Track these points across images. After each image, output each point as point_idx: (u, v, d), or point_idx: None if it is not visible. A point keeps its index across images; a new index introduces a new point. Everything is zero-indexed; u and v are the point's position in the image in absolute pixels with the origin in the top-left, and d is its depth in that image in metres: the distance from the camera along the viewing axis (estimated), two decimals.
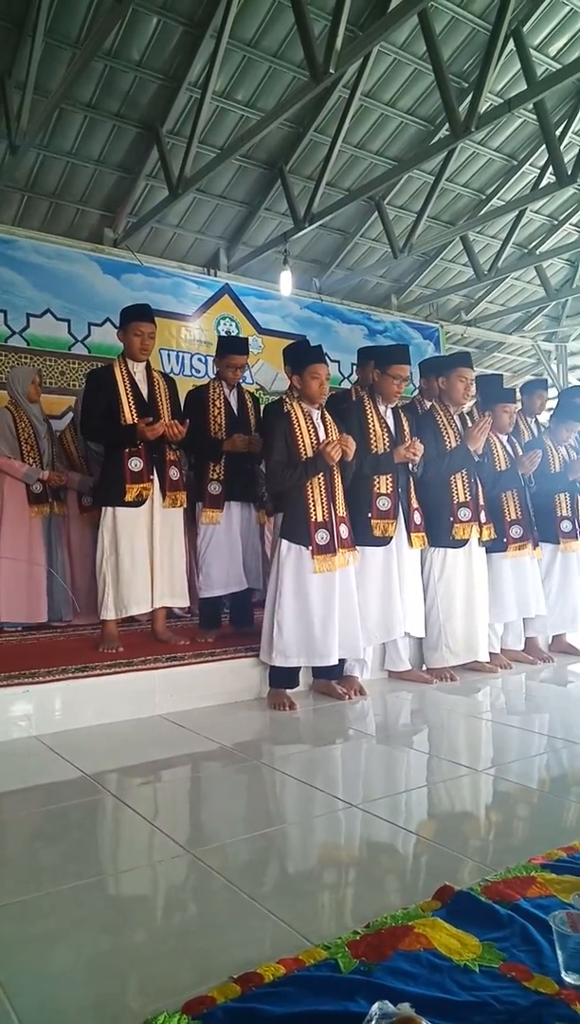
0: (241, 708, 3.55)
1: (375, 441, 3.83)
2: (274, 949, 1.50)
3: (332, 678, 3.77)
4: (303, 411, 3.62)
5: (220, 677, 3.65)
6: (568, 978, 1.37)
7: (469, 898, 1.66)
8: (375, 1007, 1.24)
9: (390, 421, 3.93)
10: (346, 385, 7.94)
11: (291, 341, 6.43)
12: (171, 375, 6.72)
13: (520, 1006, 1.31)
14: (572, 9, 6.13)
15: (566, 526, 4.67)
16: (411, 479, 3.95)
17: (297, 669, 3.64)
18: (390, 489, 3.82)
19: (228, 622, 4.45)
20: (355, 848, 2.11)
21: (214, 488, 4.14)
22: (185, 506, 4.06)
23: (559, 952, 1.39)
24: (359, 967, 1.42)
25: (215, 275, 7.78)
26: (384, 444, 3.83)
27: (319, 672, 3.78)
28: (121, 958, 1.53)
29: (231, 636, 4.21)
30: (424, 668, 4.15)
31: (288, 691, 3.61)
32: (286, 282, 7.48)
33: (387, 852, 2.07)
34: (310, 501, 3.52)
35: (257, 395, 4.69)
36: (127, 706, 3.34)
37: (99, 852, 2.13)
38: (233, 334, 7.36)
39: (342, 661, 3.73)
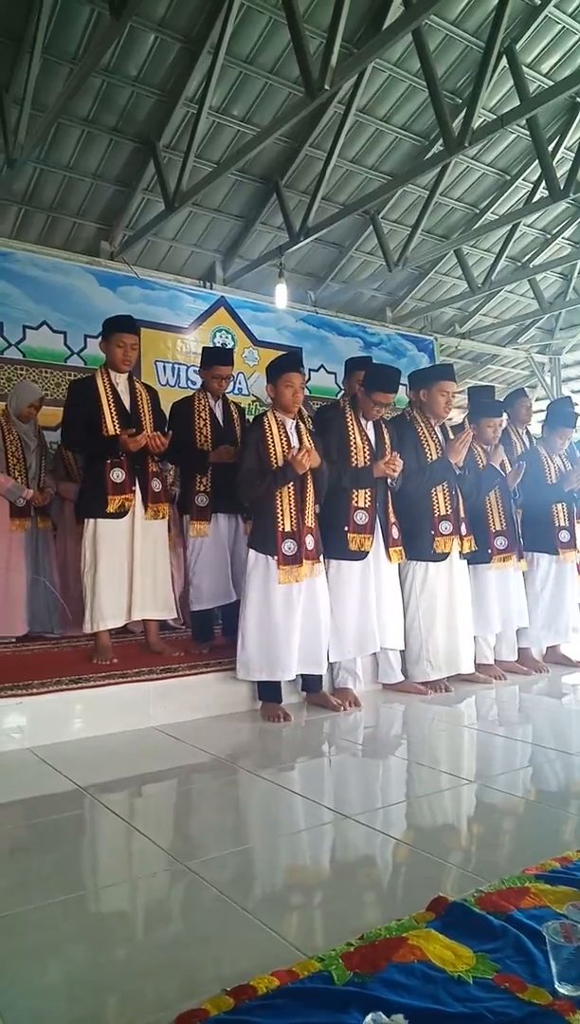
0: (235, 720, 3.54)
1: (355, 454, 3.79)
2: (267, 961, 1.49)
3: (311, 691, 3.74)
4: (277, 420, 3.60)
5: (214, 689, 3.64)
6: (562, 989, 1.36)
7: (463, 909, 1.65)
8: (369, 1019, 1.24)
9: (371, 434, 3.90)
10: (340, 396, 7.96)
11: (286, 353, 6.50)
12: (166, 387, 6.79)
13: (514, 1017, 1.31)
14: (564, 27, 6.22)
15: (564, 536, 4.66)
16: (389, 493, 3.92)
17: (278, 684, 3.59)
18: (368, 503, 3.78)
19: (221, 633, 4.44)
20: (348, 859, 2.10)
21: (201, 500, 4.10)
22: (167, 517, 4.04)
23: (553, 963, 1.39)
24: (353, 979, 1.42)
25: (211, 288, 7.82)
26: (365, 457, 3.80)
27: (305, 685, 3.76)
28: (113, 971, 1.52)
29: (225, 647, 4.20)
30: (410, 681, 4.13)
31: (284, 703, 3.59)
32: (281, 295, 7.53)
33: (380, 863, 2.06)
34: (278, 511, 3.47)
35: (253, 407, 4.69)
36: (121, 718, 3.32)
37: (91, 864, 2.12)
38: (228, 346, 7.39)
39: (320, 675, 3.70)
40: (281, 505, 3.48)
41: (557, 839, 2.16)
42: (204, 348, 4.83)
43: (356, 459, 3.79)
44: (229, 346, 7.43)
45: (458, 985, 1.40)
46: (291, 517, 3.49)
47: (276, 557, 3.45)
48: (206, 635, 4.28)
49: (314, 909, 1.80)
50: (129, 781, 2.76)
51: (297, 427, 3.65)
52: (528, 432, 5.16)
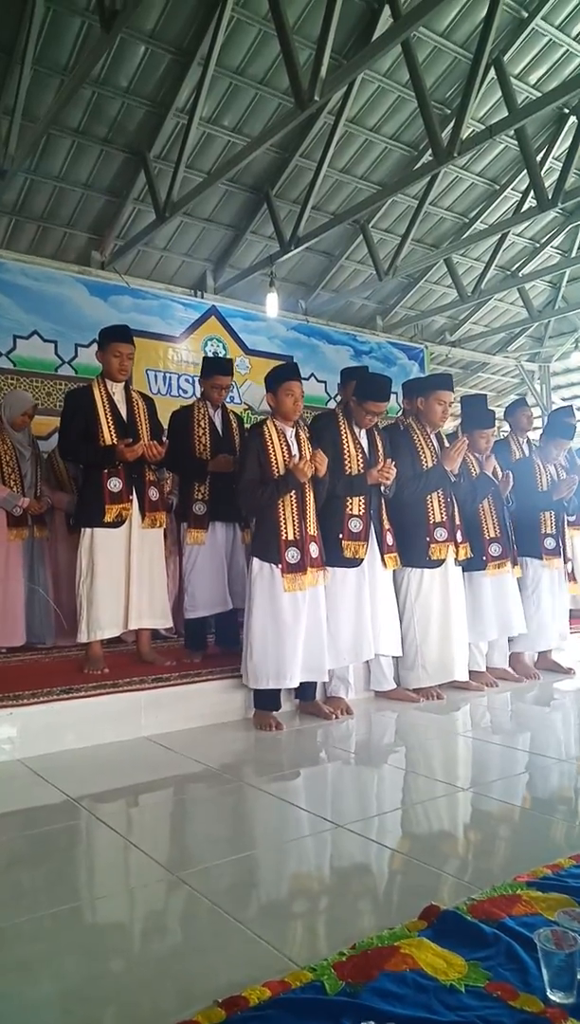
0: (227, 729, 3.53)
1: (349, 462, 3.81)
2: (260, 972, 1.49)
3: (306, 699, 3.75)
4: (277, 429, 3.63)
5: (205, 698, 3.63)
6: (553, 996, 1.36)
7: (455, 917, 1.65)
8: None
9: (364, 442, 3.92)
10: (332, 405, 7.99)
11: (278, 362, 6.52)
12: (158, 395, 6.78)
13: None
14: (551, 39, 6.29)
15: (549, 543, 4.70)
16: (383, 501, 3.93)
17: (277, 691, 3.60)
18: (362, 511, 3.80)
19: (214, 643, 4.43)
20: (340, 868, 2.09)
21: (199, 508, 4.12)
22: (164, 526, 4.05)
23: (544, 970, 1.39)
24: (345, 989, 1.41)
25: (202, 297, 7.84)
26: (358, 465, 3.82)
27: (299, 693, 3.76)
28: (105, 984, 1.51)
29: (217, 657, 4.20)
30: (403, 688, 4.14)
31: (275, 712, 3.59)
32: (272, 304, 7.55)
33: (372, 872, 2.06)
34: (281, 519, 3.49)
35: (244, 415, 4.71)
36: (112, 728, 3.31)
37: (82, 876, 2.11)
38: (220, 355, 7.40)
39: (315, 683, 3.71)
40: (283, 514, 3.50)
41: (549, 846, 2.16)
42: (205, 358, 4.87)
43: (350, 467, 3.80)
44: (221, 355, 7.45)
45: (450, 994, 1.40)
46: (294, 525, 3.51)
47: (280, 565, 3.46)
48: (199, 643, 4.27)
49: (307, 919, 1.79)
50: (121, 792, 2.75)
51: (296, 435, 3.68)
52: (528, 440, 5.20)
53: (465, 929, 1.61)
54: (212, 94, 5.94)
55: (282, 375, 3.66)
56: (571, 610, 5.16)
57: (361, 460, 3.84)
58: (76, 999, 1.46)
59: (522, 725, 3.71)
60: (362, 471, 3.80)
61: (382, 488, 3.85)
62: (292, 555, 3.48)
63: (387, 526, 3.94)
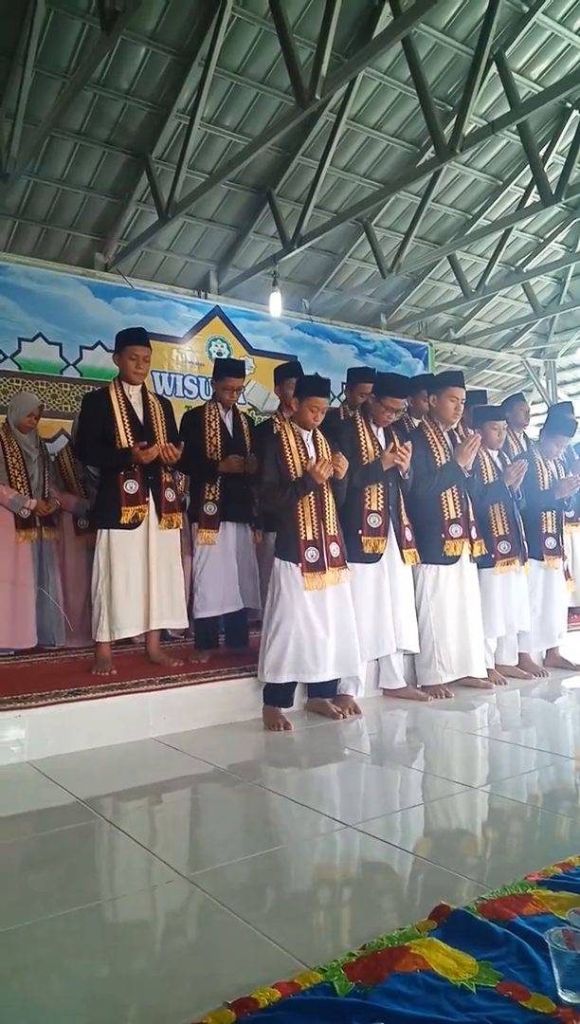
0: (236, 729, 3.53)
1: (367, 458, 3.85)
2: (270, 973, 1.49)
3: (326, 696, 3.75)
4: (294, 432, 3.66)
5: (214, 698, 3.63)
6: (565, 996, 1.36)
7: (465, 917, 1.65)
8: None
9: (382, 439, 3.96)
10: (336, 404, 7.97)
11: (282, 362, 6.53)
12: (164, 396, 6.79)
13: None
14: (552, 33, 6.26)
15: (550, 543, 4.70)
16: (401, 494, 3.96)
17: (292, 687, 3.62)
18: (381, 506, 3.84)
19: (224, 642, 4.44)
20: (351, 869, 2.09)
21: (210, 509, 4.15)
22: (182, 527, 4.07)
23: (555, 970, 1.38)
24: (355, 990, 1.41)
25: (205, 297, 7.85)
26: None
27: (313, 691, 3.76)
28: (115, 986, 1.52)
29: (226, 657, 4.20)
30: (419, 685, 4.14)
31: (283, 711, 3.59)
32: (276, 303, 7.55)
33: (383, 872, 2.05)
34: (300, 520, 3.54)
35: (250, 415, 4.72)
36: (120, 729, 3.31)
37: (92, 878, 2.11)
38: (225, 355, 7.41)
39: (336, 680, 3.72)
40: (302, 514, 3.54)
41: (560, 845, 2.15)
42: (216, 360, 4.89)
43: (367, 462, 3.84)
44: (225, 355, 7.44)
45: (461, 994, 1.39)
46: (313, 526, 3.55)
47: (300, 564, 3.49)
48: (210, 642, 4.29)
49: (316, 920, 1.79)
50: (130, 793, 2.75)
51: (313, 436, 3.71)
52: (526, 436, 5.18)
53: (475, 929, 1.60)
54: (213, 94, 5.93)
55: (311, 388, 3.69)
56: (570, 608, 5.14)
57: (378, 456, 3.86)
58: (87, 1001, 1.47)
59: (532, 722, 3.70)
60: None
61: (400, 473, 3.85)
62: (311, 555, 3.52)
63: (406, 522, 3.97)
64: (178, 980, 1.51)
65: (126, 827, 2.37)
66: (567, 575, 5.08)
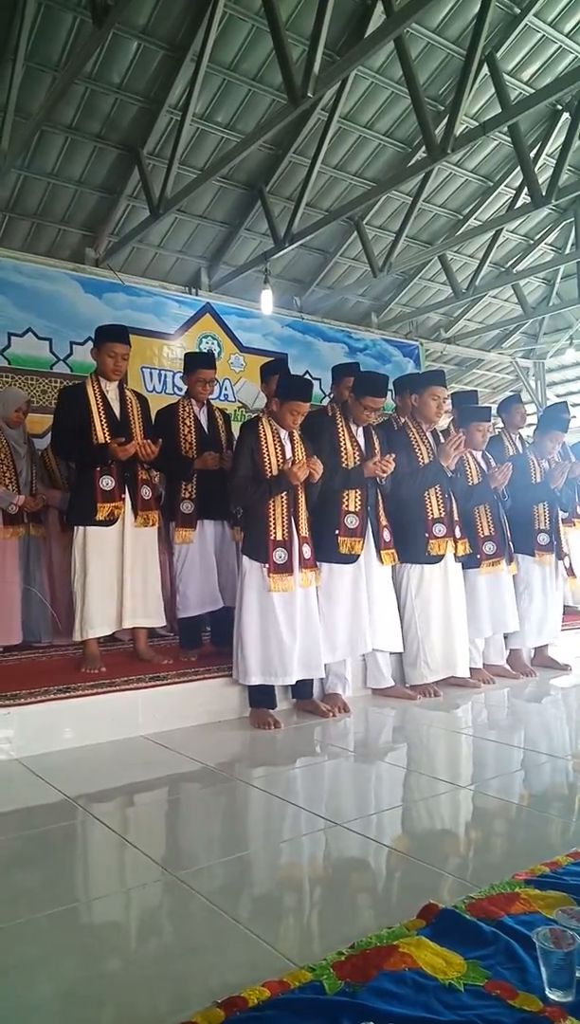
0: (224, 728, 3.53)
1: (346, 458, 3.81)
2: (259, 972, 1.49)
3: (304, 697, 3.75)
4: (273, 429, 3.62)
5: (203, 697, 3.63)
6: (552, 995, 1.37)
7: (454, 916, 1.66)
8: None
9: (361, 439, 3.93)
10: (326, 402, 7.98)
11: (271, 359, 6.51)
12: (153, 393, 6.77)
13: None
14: (544, 36, 6.29)
15: (543, 539, 4.67)
16: (380, 496, 3.94)
17: (271, 688, 3.60)
18: (358, 507, 3.81)
19: (209, 641, 4.43)
20: (339, 867, 2.09)
21: (186, 507, 4.10)
22: (158, 525, 4.04)
23: (543, 969, 1.39)
24: (344, 988, 1.41)
25: (196, 294, 7.83)
26: (354, 461, 3.83)
27: (294, 691, 3.76)
28: (102, 985, 1.51)
29: (213, 655, 4.19)
30: (407, 685, 4.15)
31: (273, 710, 3.59)
32: (267, 301, 7.55)
33: (371, 871, 2.06)
34: (271, 519, 3.50)
35: (239, 413, 4.70)
36: (109, 727, 3.31)
37: (80, 877, 2.10)
38: (216, 352, 7.39)
39: (310, 680, 3.71)
40: (273, 514, 3.51)
41: (547, 844, 2.16)
42: (186, 353, 4.78)
43: (346, 464, 3.81)
44: (216, 351, 7.43)
45: (449, 993, 1.40)
46: (283, 526, 3.51)
47: (267, 565, 3.46)
48: (194, 642, 4.27)
49: (305, 918, 1.80)
50: (119, 791, 2.74)
51: (290, 435, 3.68)
52: (521, 437, 5.20)
53: (464, 928, 1.61)
54: (205, 90, 5.92)
55: (295, 392, 3.61)
56: (567, 606, 5.17)
57: (358, 458, 3.84)
58: (74, 1000, 1.46)
59: (519, 722, 3.72)
60: (358, 465, 3.81)
61: (378, 480, 3.85)
62: (279, 555, 3.48)
63: (384, 522, 3.95)
64: (166, 979, 1.51)
65: (114, 825, 2.37)
66: (570, 573, 5.10)
